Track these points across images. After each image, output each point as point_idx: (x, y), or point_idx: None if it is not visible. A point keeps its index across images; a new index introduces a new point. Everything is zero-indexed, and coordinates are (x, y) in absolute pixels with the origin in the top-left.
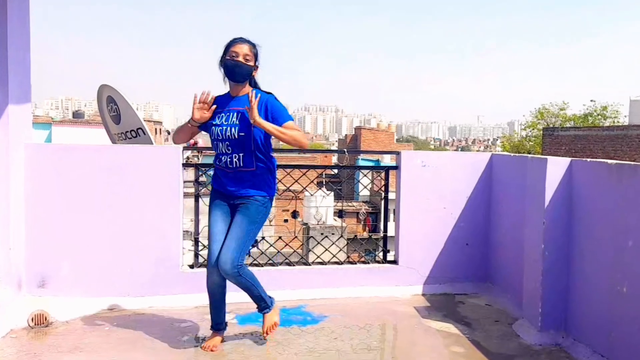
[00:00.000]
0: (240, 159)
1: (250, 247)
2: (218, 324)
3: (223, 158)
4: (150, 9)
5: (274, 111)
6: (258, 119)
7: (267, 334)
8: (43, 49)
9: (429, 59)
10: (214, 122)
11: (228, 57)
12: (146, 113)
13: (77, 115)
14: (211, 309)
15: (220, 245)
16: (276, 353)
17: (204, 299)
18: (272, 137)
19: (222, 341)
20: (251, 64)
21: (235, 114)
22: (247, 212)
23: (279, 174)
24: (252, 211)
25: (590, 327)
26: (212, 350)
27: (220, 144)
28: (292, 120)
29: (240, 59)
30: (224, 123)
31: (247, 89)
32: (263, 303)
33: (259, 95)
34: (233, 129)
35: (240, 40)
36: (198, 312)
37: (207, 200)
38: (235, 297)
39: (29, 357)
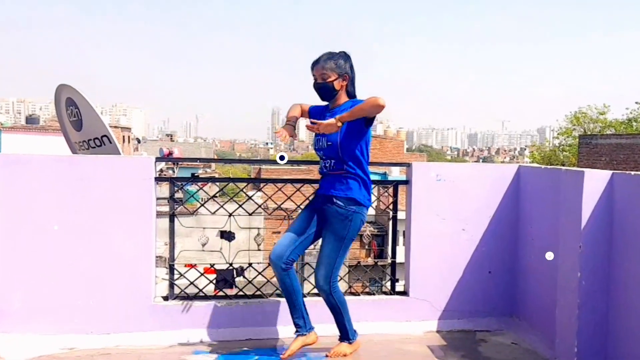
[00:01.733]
0: (331, 164)
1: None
2: (295, 321)
3: (321, 164)
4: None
5: (355, 103)
6: (334, 121)
7: (331, 356)
8: None
9: (444, 55)
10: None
11: (314, 81)
12: (112, 118)
13: (31, 121)
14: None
15: (287, 241)
16: None
17: (179, 337)
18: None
19: (303, 345)
20: (332, 79)
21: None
22: (332, 227)
23: (268, 189)
24: (337, 224)
25: None
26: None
27: (319, 153)
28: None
29: (319, 80)
30: (320, 135)
31: (342, 99)
32: (345, 333)
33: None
34: (324, 139)
35: (316, 60)
36: (173, 351)
37: (184, 220)
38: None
39: None
